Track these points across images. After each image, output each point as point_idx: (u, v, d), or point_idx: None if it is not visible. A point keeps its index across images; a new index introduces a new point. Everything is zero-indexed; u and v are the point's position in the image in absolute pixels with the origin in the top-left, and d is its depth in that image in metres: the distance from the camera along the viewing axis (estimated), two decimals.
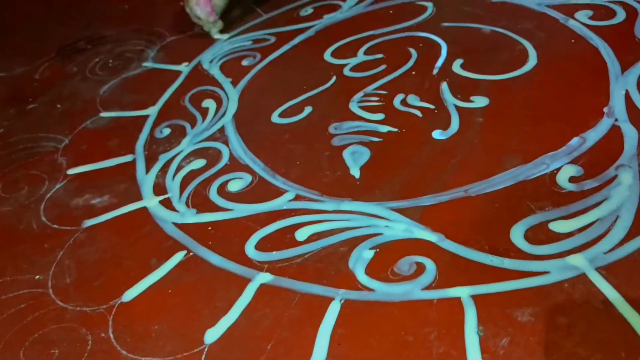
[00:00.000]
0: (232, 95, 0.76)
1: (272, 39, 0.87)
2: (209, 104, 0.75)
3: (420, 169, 0.56)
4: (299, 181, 0.59)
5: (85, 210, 0.62)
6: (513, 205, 0.50)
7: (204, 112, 0.74)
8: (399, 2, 0.88)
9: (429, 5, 0.84)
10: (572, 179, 0.51)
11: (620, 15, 0.70)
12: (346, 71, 0.75)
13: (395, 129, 0.62)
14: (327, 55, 0.79)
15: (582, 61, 0.65)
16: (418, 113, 0.64)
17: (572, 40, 0.68)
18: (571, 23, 0.72)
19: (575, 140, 0.54)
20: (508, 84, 0.64)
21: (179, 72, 0.85)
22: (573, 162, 0.52)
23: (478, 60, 0.70)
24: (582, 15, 0.73)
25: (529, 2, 0.79)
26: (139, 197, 0.62)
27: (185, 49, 0.91)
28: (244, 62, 0.83)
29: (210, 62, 0.85)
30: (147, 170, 0.66)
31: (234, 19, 0.96)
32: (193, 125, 0.72)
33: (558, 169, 0.52)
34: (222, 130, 0.70)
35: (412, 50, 0.75)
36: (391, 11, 0.86)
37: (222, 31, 0.92)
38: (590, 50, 0.66)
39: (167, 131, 0.72)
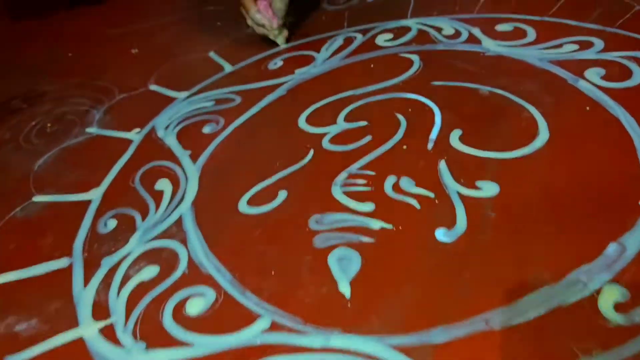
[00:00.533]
0: (192, 173, 0.64)
1: (238, 100, 0.76)
2: (164, 185, 0.63)
3: (425, 285, 0.45)
4: (274, 300, 0.47)
5: (8, 341, 0.50)
6: (550, 345, 0.39)
7: (158, 197, 0.62)
8: (381, 53, 0.78)
9: (415, 58, 0.74)
10: (617, 307, 0.40)
11: (638, 75, 0.61)
12: (325, 143, 0.64)
13: (389, 226, 0.51)
14: (302, 122, 0.68)
15: (602, 135, 0.55)
16: (415, 203, 0.53)
17: (587, 108, 0.59)
18: (581, 84, 0.62)
19: (612, 248, 0.44)
20: (518, 165, 0.54)
21: (128, 141, 0.72)
22: (615, 279, 0.42)
23: (479, 131, 0.60)
24: (593, 74, 0.64)
25: (528, 56, 0.69)
26: (74, 321, 0.50)
27: (137, 110, 0.79)
28: (205, 129, 0.71)
29: (166, 128, 0.73)
30: (86, 281, 0.53)
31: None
32: (144, 216, 0.60)
33: (598, 291, 0.42)
34: (179, 223, 0.58)
35: (401, 117, 0.64)
36: (372, 65, 0.76)
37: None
38: (610, 120, 0.57)
39: (112, 224, 0.60)
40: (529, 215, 0.49)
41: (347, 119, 0.66)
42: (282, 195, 0.58)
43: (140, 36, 1.00)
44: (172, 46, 0.94)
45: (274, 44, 0.86)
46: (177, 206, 0.60)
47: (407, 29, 0.82)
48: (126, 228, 0.59)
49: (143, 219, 0.59)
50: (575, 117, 0.58)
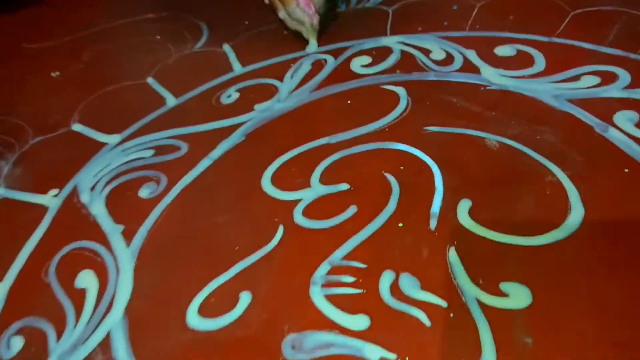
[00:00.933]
0: (125, 262, 0.49)
1: (184, 147, 0.60)
2: (88, 280, 0.48)
3: None
4: None
5: None
6: None
7: (79, 300, 0.47)
8: (358, 84, 0.63)
9: (401, 92, 0.60)
10: None
11: None
12: (297, 215, 0.50)
13: (392, 356, 0.38)
14: (266, 182, 0.54)
15: None
16: (423, 318, 0.40)
17: (626, 170, 0.47)
18: (612, 134, 0.50)
19: None
20: (551, 256, 0.42)
21: (43, 209, 0.56)
22: None
23: (493, 201, 0.47)
24: (624, 120, 0.51)
25: (540, 92, 0.57)
26: None
27: (55, 161, 0.63)
28: (143, 193, 0.56)
29: (92, 188, 0.57)
30: None
31: None
32: (60, 331, 0.45)
33: None
34: (106, 345, 0.43)
35: (391, 178, 0.51)
36: (349, 101, 0.61)
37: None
38: None
39: (17, 344, 0.45)
40: (576, 339, 0.37)
41: (324, 179, 0.52)
42: (245, 299, 0.44)
43: (63, 54, 0.82)
44: (101, 68, 0.77)
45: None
46: (104, 316, 0.45)
47: (388, 51, 0.68)
48: (36, 351, 0.44)
49: (58, 336, 0.44)
50: (612, 183, 0.46)
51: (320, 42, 0.73)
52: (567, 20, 0.66)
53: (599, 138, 0.50)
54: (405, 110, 0.58)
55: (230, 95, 0.66)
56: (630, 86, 0.55)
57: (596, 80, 0.56)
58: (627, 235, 0.42)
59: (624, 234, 0.42)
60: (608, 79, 0.56)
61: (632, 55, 0.59)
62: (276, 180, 0.54)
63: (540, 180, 0.48)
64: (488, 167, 0.50)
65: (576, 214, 0.44)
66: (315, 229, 0.48)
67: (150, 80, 0.72)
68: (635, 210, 0.44)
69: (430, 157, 0.52)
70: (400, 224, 0.47)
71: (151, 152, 0.61)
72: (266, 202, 0.52)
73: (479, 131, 0.54)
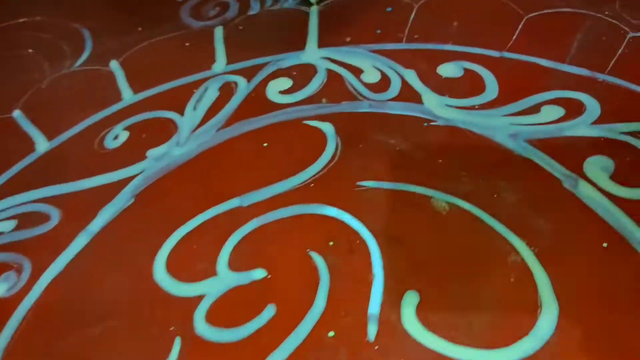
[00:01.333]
0: None
1: (55, 216, 0.47)
2: None
3: None
4: None
5: None
6: None
7: None
8: (276, 119, 0.51)
9: (329, 130, 0.49)
10: None
11: None
12: (199, 322, 0.38)
13: None
14: (160, 269, 0.42)
15: None
16: None
17: (604, 244, 0.38)
18: (584, 191, 0.41)
19: None
20: None
21: None
22: None
23: (444, 295, 0.37)
24: (596, 169, 0.43)
25: (495, 129, 0.46)
26: None
27: None
28: (0, 288, 0.42)
29: None
30: None
31: None
32: None
33: None
34: None
35: (318, 259, 0.40)
36: (265, 144, 0.49)
37: None
38: None
39: None
40: None
41: (234, 262, 0.41)
42: None
43: None
44: None
45: None
46: None
47: (312, 70, 0.56)
48: None
49: None
50: (589, 264, 0.37)
51: (229, 56, 0.59)
52: (520, 26, 0.56)
53: (569, 196, 0.41)
54: (334, 157, 0.47)
55: (118, 136, 0.53)
56: (601, 120, 0.45)
57: (559, 112, 0.47)
58: (613, 338, 0.33)
59: (608, 337, 0.33)
60: (573, 110, 0.47)
61: (600, 76, 0.49)
62: (173, 266, 0.42)
63: (502, 262, 0.38)
64: (437, 240, 0.40)
65: (549, 312, 0.35)
66: (221, 342, 0.37)
67: (16, 114, 0.57)
68: (620, 301, 0.35)
69: (367, 226, 0.42)
70: (331, 333, 0.36)
71: (13, 223, 0.47)
72: (159, 299, 0.40)
73: (424, 187, 0.43)
